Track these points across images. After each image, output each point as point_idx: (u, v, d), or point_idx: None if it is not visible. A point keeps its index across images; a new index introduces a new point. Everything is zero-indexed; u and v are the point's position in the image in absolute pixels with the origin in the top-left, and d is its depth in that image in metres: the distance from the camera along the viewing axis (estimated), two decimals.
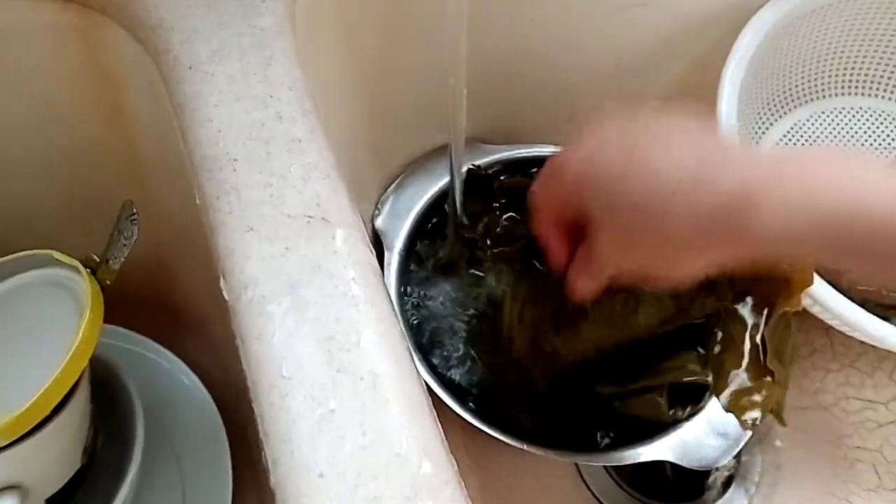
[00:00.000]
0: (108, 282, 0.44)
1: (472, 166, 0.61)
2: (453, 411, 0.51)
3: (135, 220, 0.43)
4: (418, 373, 0.30)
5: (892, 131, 0.69)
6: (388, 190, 0.64)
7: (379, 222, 0.62)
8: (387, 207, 0.63)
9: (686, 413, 0.53)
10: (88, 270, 0.45)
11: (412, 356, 0.30)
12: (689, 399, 0.53)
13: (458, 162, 0.53)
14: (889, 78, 0.69)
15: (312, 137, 0.36)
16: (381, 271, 0.33)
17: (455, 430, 0.53)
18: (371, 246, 0.33)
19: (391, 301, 0.32)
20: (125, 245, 0.43)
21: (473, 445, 0.59)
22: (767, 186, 0.32)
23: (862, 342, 0.58)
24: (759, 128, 0.70)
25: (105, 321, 0.59)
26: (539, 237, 0.43)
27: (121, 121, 0.50)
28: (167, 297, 0.64)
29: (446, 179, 0.62)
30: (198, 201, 0.36)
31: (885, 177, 0.31)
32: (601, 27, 0.62)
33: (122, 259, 0.44)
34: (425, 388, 0.30)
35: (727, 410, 0.53)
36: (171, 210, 0.54)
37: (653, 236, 0.34)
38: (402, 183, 0.64)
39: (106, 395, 0.53)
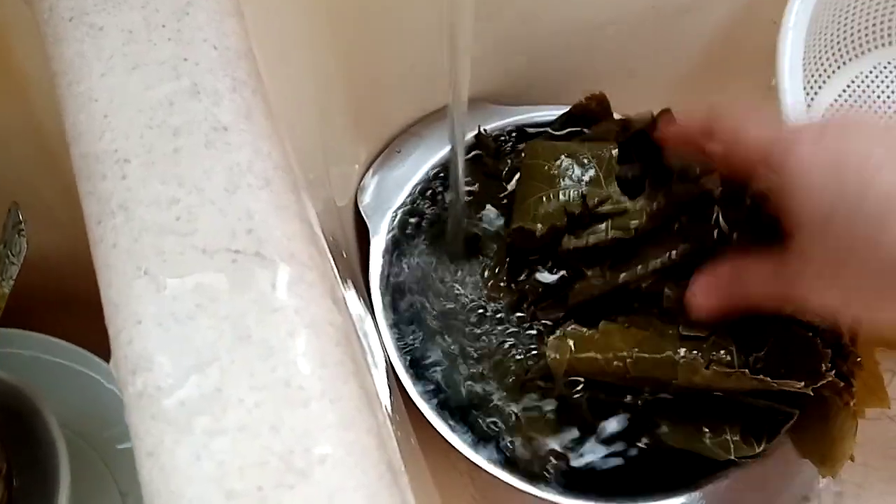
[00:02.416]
0: None
1: (481, 131, 0.52)
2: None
3: (22, 231, 0.31)
4: None
5: None
6: (375, 164, 0.53)
7: (364, 202, 0.51)
8: (373, 185, 0.52)
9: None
10: None
11: (398, 480, 0.19)
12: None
13: (460, 127, 0.43)
14: None
15: (247, 124, 0.24)
16: (353, 332, 0.21)
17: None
18: (341, 297, 0.22)
19: (371, 387, 0.20)
20: (13, 263, 0.32)
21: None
22: None
23: None
24: (815, 82, 0.59)
25: (21, 325, 0.48)
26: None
27: (15, 86, 0.38)
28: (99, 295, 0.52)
29: (446, 149, 0.52)
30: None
31: None
32: None
33: (12, 280, 0.32)
34: None
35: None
36: None
37: (879, 264, 0.30)
38: (391, 155, 0.53)
39: (22, 432, 0.42)
